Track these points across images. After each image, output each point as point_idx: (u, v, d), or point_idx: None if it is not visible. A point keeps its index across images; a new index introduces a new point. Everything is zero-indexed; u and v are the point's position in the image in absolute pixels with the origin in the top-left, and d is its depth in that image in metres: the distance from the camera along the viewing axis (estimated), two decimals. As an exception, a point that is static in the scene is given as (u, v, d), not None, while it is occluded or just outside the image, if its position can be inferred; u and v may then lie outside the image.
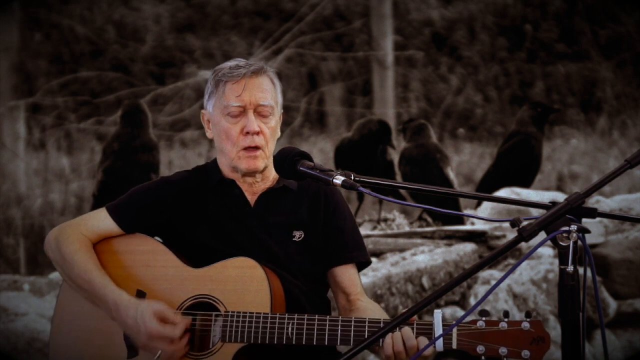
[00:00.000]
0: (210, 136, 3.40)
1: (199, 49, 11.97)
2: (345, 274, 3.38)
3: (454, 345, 2.95)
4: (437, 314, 2.97)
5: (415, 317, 2.96)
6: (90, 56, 11.73)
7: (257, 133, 3.27)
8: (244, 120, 3.28)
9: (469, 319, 2.92)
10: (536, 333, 2.91)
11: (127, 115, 7.47)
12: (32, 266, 9.68)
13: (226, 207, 3.35)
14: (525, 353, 2.91)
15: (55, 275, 6.63)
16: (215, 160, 3.43)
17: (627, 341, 6.55)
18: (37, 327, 5.93)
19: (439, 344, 2.95)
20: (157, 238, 3.40)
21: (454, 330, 2.95)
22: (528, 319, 2.93)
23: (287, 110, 11.41)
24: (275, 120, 3.34)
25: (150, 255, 3.32)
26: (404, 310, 2.73)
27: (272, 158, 3.34)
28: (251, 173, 3.32)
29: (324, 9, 12.03)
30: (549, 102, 11.28)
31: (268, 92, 3.31)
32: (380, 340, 2.99)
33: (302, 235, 3.34)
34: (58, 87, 11.33)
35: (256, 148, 3.28)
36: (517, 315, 5.93)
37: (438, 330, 2.95)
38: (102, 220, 3.38)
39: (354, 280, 3.38)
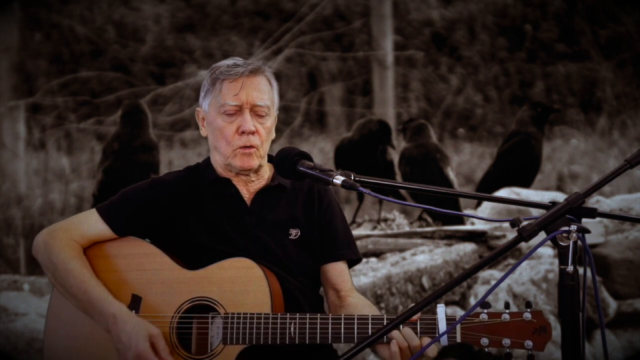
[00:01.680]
0: (205, 134, 3.38)
1: (199, 49, 11.95)
2: (336, 270, 3.38)
3: (459, 339, 2.97)
4: (441, 308, 2.98)
5: (419, 314, 2.97)
6: (90, 56, 11.72)
7: (253, 133, 3.26)
8: (240, 120, 3.27)
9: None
10: (538, 323, 2.95)
11: (127, 115, 7.48)
12: (32, 266, 9.66)
13: (222, 206, 3.32)
14: (528, 343, 2.95)
15: (55, 276, 6.61)
16: (208, 159, 3.41)
17: (627, 341, 6.55)
18: (37, 327, 5.92)
19: (444, 339, 2.96)
20: (147, 240, 3.33)
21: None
22: (529, 310, 2.96)
23: (287, 110, 11.41)
24: (271, 120, 3.32)
25: (144, 259, 3.26)
26: (404, 311, 2.73)
27: (266, 158, 3.34)
28: (245, 171, 3.31)
29: (324, 9, 12.02)
30: (549, 102, 11.27)
31: (265, 92, 3.29)
32: (385, 337, 3.00)
33: (299, 234, 3.34)
34: (58, 87, 11.31)
35: (251, 147, 3.27)
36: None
37: (442, 324, 2.96)
38: (93, 224, 3.31)
39: (345, 277, 3.38)
